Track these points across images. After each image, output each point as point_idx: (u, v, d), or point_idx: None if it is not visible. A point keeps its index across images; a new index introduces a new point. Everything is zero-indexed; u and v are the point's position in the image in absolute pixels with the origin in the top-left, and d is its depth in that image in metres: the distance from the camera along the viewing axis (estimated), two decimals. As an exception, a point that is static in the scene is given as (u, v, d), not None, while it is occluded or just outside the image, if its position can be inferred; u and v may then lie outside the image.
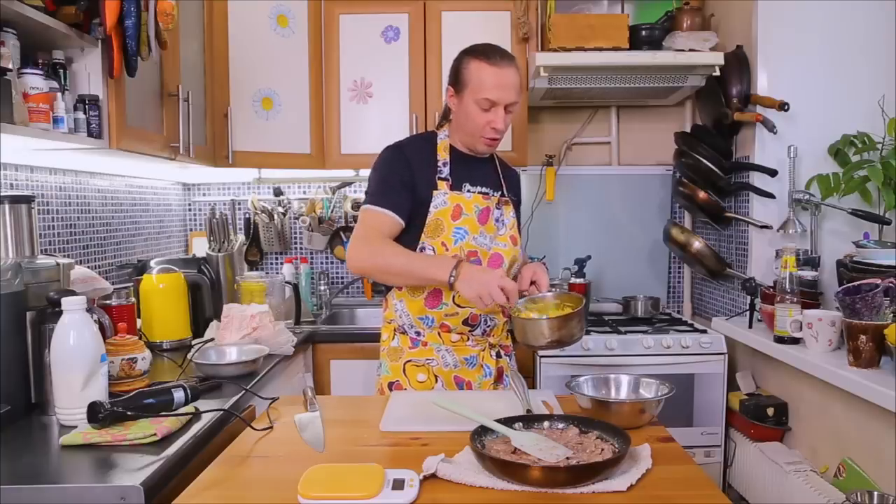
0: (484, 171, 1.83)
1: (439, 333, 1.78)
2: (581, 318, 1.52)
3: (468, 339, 1.79)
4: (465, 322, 1.76)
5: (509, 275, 1.75)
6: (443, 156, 1.77)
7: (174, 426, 1.31)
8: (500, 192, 1.83)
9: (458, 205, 1.74)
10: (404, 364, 1.78)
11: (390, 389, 1.78)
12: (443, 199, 1.73)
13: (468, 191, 1.77)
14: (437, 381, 1.77)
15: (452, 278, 1.56)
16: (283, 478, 1.09)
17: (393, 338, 1.82)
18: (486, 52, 1.70)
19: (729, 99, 2.57)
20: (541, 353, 2.45)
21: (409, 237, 1.73)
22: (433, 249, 1.72)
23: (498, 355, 1.83)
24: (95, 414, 1.27)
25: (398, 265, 1.66)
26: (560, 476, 1.04)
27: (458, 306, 1.74)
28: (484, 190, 1.79)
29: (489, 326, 1.80)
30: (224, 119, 2.55)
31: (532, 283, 1.66)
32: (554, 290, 1.63)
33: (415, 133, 2.75)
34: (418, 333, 1.79)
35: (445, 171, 1.76)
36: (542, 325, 1.49)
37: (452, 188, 1.75)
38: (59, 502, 1.08)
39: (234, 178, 3.08)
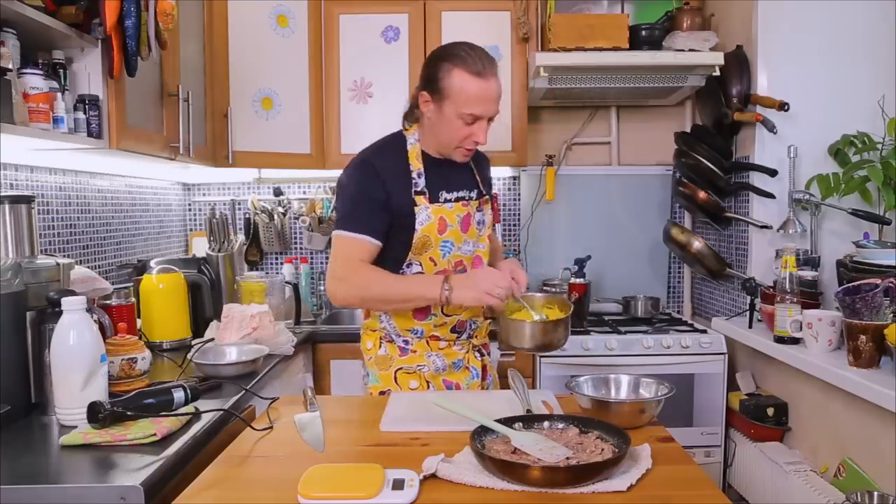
0: (458, 172, 1.75)
1: (427, 342, 1.76)
2: (567, 325, 1.53)
3: (454, 343, 1.78)
4: (453, 329, 1.76)
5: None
6: (416, 165, 1.68)
7: (174, 426, 1.32)
8: (476, 191, 1.78)
9: (442, 217, 1.68)
10: (395, 372, 1.75)
11: None
12: (426, 214, 1.66)
13: (446, 200, 1.70)
14: (429, 386, 1.75)
15: (447, 291, 1.54)
16: (283, 478, 1.09)
17: (379, 346, 1.78)
18: (467, 61, 1.58)
19: (729, 99, 2.57)
20: (540, 354, 2.45)
21: (394, 255, 1.67)
22: (421, 265, 1.69)
23: (480, 353, 1.84)
24: (95, 414, 1.27)
25: (386, 294, 1.62)
26: (560, 476, 1.04)
27: (447, 315, 1.73)
28: (461, 194, 1.74)
29: (473, 329, 1.80)
30: (224, 119, 2.55)
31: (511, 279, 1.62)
32: (542, 292, 1.65)
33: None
34: (406, 342, 1.76)
35: (421, 182, 1.67)
36: (526, 328, 1.48)
37: (431, 200, 1.67)
38: (59, 502, 1.08)
39: (234, 178, 3.08)
